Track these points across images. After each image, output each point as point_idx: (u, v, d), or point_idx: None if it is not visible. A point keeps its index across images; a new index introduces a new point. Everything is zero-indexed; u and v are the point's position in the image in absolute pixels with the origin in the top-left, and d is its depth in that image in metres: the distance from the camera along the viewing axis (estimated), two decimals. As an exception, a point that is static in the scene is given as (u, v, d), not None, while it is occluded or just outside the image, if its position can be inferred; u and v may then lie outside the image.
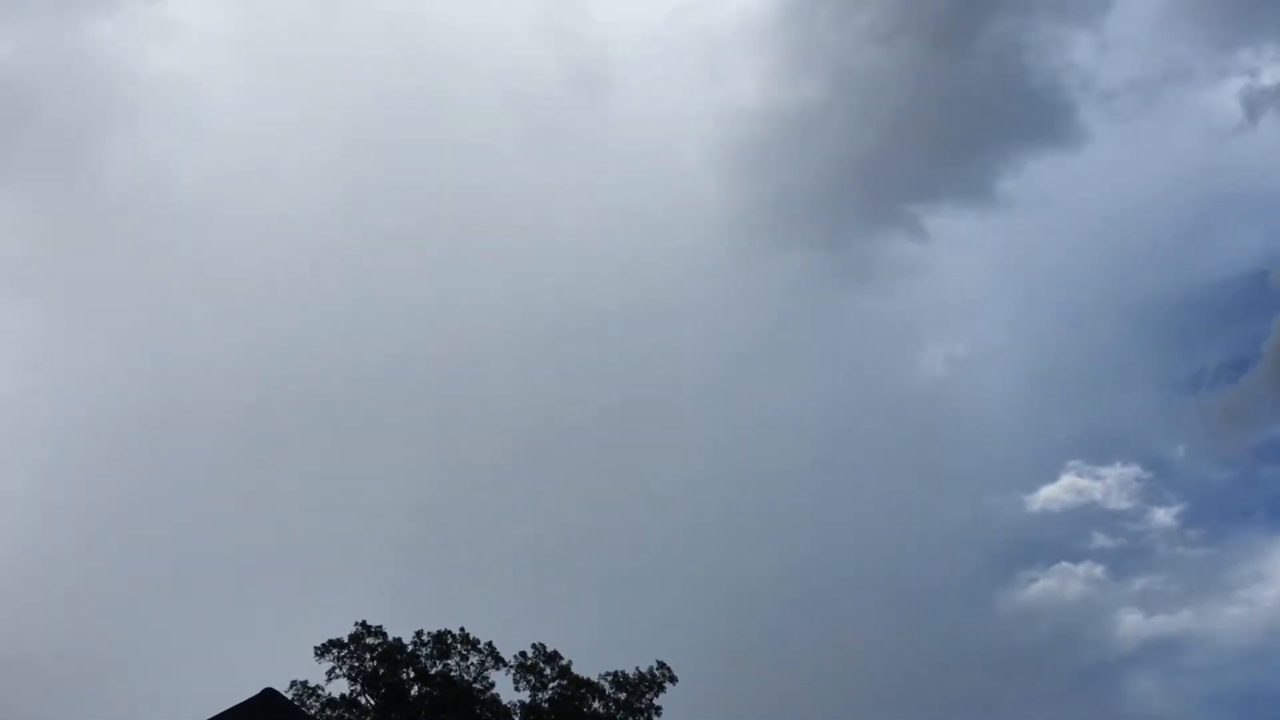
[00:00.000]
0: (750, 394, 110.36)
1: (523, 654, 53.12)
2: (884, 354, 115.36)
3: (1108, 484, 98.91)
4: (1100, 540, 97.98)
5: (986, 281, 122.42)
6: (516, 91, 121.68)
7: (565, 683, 52.56)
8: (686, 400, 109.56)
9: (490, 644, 52.56)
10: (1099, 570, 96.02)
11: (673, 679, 53.43)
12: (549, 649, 53.50)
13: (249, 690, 31.49)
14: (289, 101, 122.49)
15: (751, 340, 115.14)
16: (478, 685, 51.58)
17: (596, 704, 52.45)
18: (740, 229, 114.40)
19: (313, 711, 48.09)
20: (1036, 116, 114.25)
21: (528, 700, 51.94)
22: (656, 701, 52.99)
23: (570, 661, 53.38)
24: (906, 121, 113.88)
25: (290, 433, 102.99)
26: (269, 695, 31.20)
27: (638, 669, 53.44)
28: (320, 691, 49.74)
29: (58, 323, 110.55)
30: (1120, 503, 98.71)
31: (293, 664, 50.97)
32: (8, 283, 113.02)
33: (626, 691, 52.91)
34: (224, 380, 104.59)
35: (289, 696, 45.05)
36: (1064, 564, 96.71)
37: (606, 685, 53.07)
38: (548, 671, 52.76)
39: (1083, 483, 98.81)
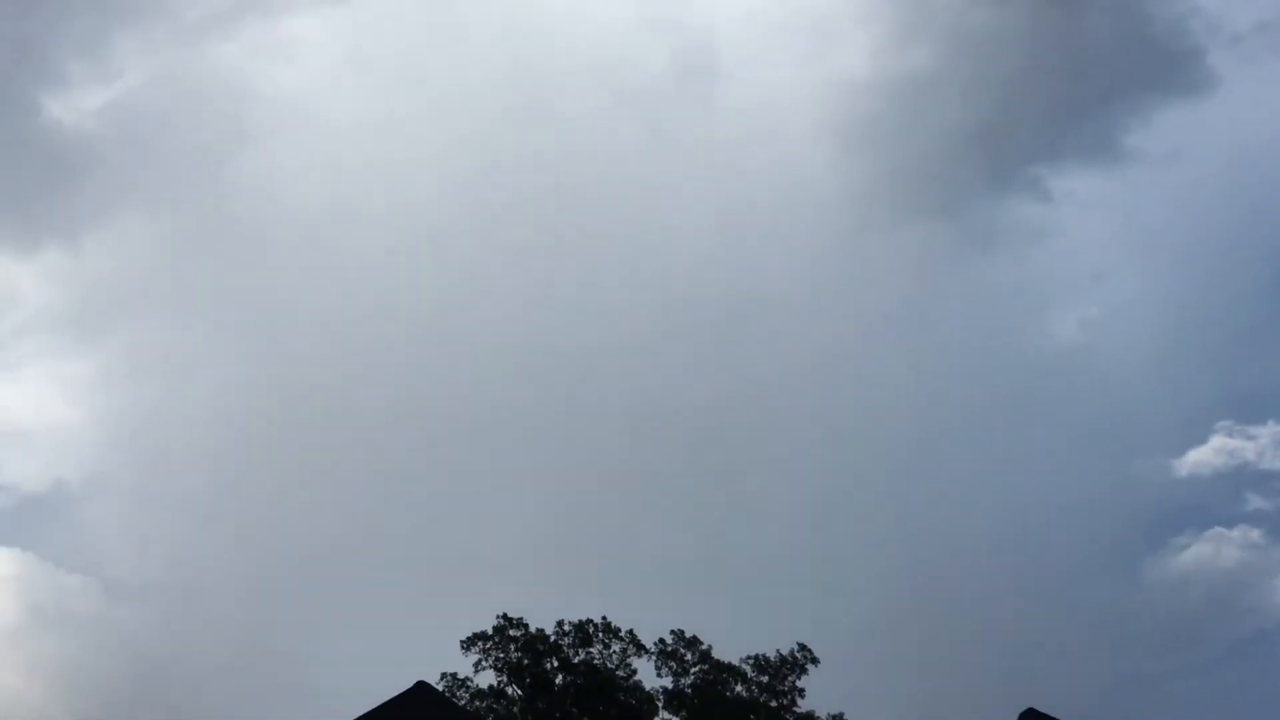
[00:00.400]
0: (876, 372, 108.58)
1: (662, 640, 53.56)
2: (1013, 322, 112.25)
3: (1260, 443, 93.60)
4: (1256, 503, 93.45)
5: (1116, 240, 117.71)
6: (623, 88, 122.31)
7: (706, 667, 52.76)
8: (811, 383, 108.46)
9: (631, 631, 53.09)
10: (1256, 534, 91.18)
11: (814, 660, 53.09)
12: (688, 634, 53.87)
13: (403, 684, 32.61)
14: (403, 112, 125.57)
15: (874, 318, 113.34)
16: (621, 673, 52.17)
17: (739, 688, 52.50)
18: (856, 206, 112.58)
19: (462, 702, 49.34)
20: (1162, 65, 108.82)
21: (670, 686, 52.34)
22: (799, 684, 52.82)
23: (710, 646, 53.61)
24: (1024, 81, 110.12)
25: (430, 436, 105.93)
26: (421, 687, 32.26)
27: (778, 651, 53.27)
28: (469, 683, 51.07)
29: (199, 336, 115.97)
30: (1276, 462, 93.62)
31: (442, 657, 52.50)
32: (149, 299, 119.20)
33: (768, 674, 52.79)
34: (361, 385, 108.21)
35: (439, 688, 46.38)
36: (1217, 529, 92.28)
37: (748, 669, 53.06)
38: (689, 657, 53.03)
39: (1234, 443, 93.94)
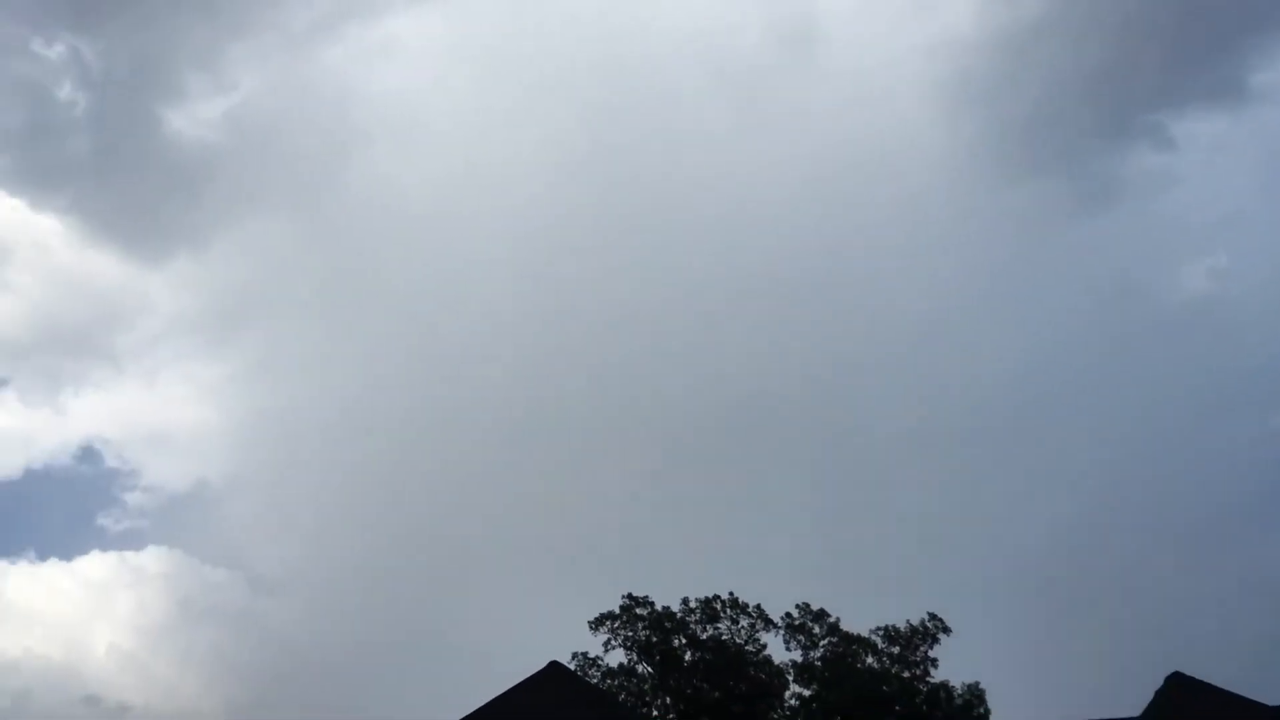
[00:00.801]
0: (996, 333, 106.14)
1: (789, 614, 53.35)
2: (1138, 275, 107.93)
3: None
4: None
5: (1245, 184, 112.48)
6: (720, 64, 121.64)
7: (835, 640, 52.36)
8: (927, 349, 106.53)
9: (759, 606, 53.06)
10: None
11: (946, 629, 52.15)
12: (815, 608, 53.54)
13: (536, 664, 33.19)
14: (504, 103, 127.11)
15: (989, 279, 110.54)
16: (750, 648, 52.22)
17: (869, 659, 52.00)
18: (964, 167, 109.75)
19: (594, 680, 50.03)
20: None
21: (800, 659, 52.13)
22: (931, 654, 52.00)
23: (838, 618, 53.22)
24: (1138, 24, 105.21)
25: (548, 422, 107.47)
26: (554, 667, 32.75)
27: (908, 622, 52.53)
28: (600, 662, 51.78)
29: (324, 334, 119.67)
30: None
31: (572, 638, 53.32)
32: (274, 300, 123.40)
33: (899, 645, 52.12)
34: (480, 374, 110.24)
35: (571, 667, 47.10)
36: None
37: (878, 640, 52.48)
38: (817, 630, 52.70)
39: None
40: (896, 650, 52.12)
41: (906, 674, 51.32)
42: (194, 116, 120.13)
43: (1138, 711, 29.37)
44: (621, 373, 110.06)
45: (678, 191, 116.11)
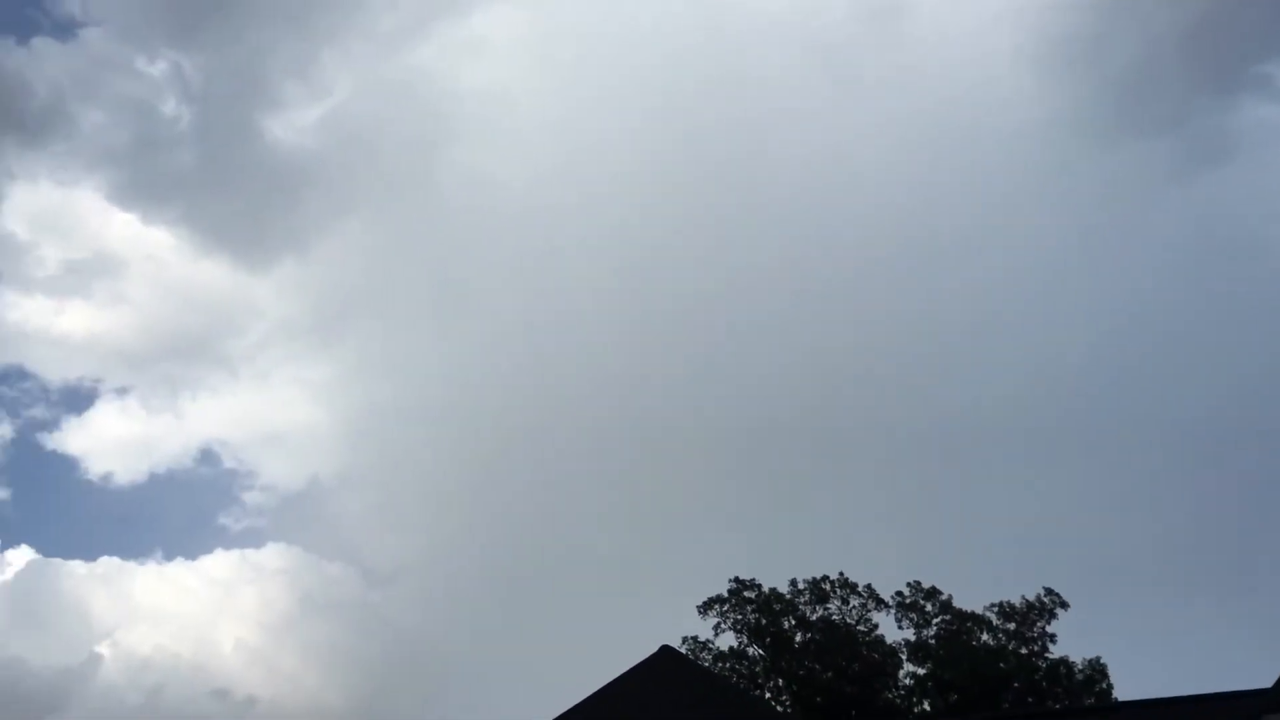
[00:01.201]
0: (1099, 299, 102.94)
1: (900, 593, 52.81)
2: (1255, 233, 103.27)
3: None
4: None
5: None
6: (809, 40, 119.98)
7: (949, 617, 51.66)
8: (1029, 317, 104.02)
9: (869, 586, 52.66)
10: None
11: (1063, 604, 50.97)
12: (926, 585, 52.90)
13: (647, 649, 33.47)
14: (593, 94, 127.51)
15: (1088, 245, 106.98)
16: (861, 627, 51.87)
17: (985, 636, 51.17)
18: (1060, 131, 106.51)
19: (705, 664, 50.26)
20: None
21: (913, 638, 51.58)
22: (1049, 629, 50.92)
23: (950, 596, 52.52)
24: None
25: (643, 407, 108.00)
26: (665, 651, 32.96)
27: (1023, 598, 51.55)
28: (710, 645, 52.00)
29: (422, 332, 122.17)
30: None
31: (683, 623, 53.68)
32: (375, 300, 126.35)
33: (1015, 621, 51.17)
34: (578, 367, 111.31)
35: (683, 651, 47.40)
36: None
37: (992, 616, 51.62)
38: (929, 608, 52.07)
39: None
40: (1012, 627, 51.18)
41: (1024, 650, 50.37)
42: (291, 124, 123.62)
43: (1268, 683, 28.27)
44: (719, 356, 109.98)
45: (770, 172, 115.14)
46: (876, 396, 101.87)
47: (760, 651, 51.76)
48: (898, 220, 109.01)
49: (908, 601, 52.32)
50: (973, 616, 51.70)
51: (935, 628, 51.69)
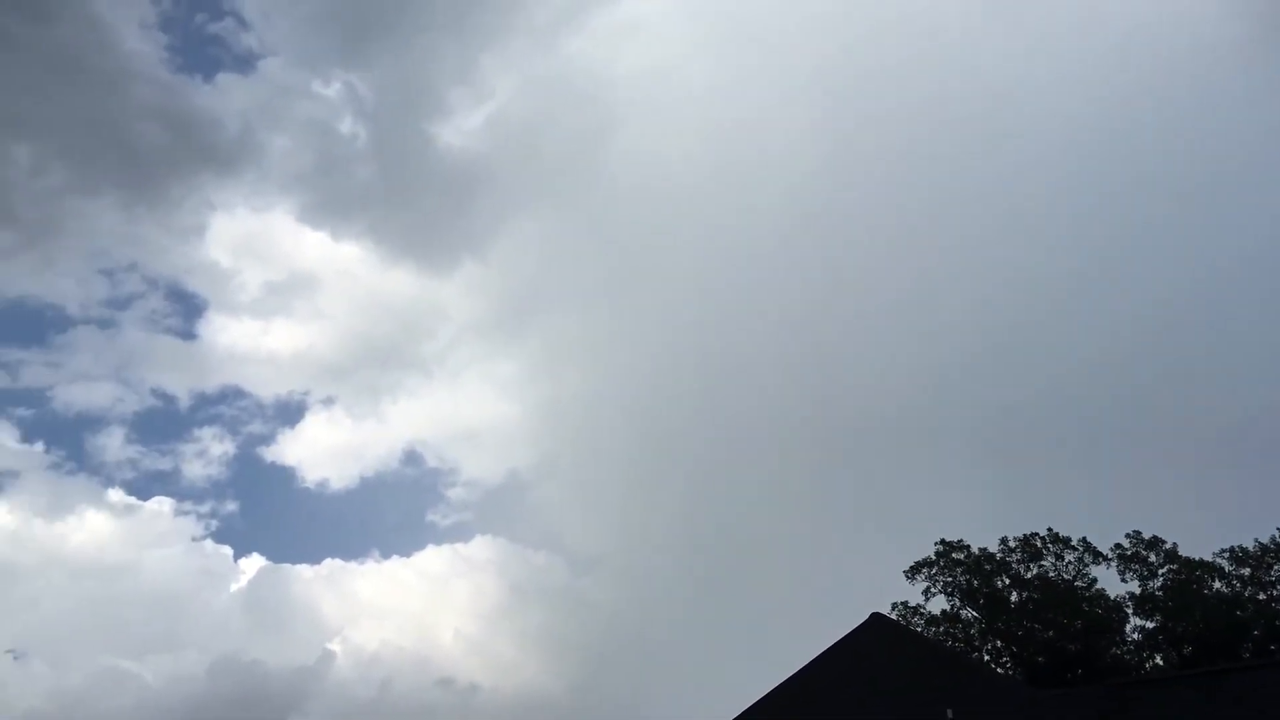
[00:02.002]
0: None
1: (1119, 545, 50.58)
2: None
3: None
4: None
5: None
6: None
7: (1175, 567, 49.16)
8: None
9: (1084, 539, 50.62)
10: None
11: (1303, 544, 47.73)
12: (1147, 536, 50.48)
13: (857, 618, 33.33)
14: (750, 62, 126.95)
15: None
16: (1079, 583, 49.96)
17: (1217, 584, 48.44)
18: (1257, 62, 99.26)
19: (918, 629, 49.55)
20: None
21: (1138, 591, 49.31)
22: (1288, 572, 47.74)
23: (1175, 544, 49.97)
24: None
25: (831, 377, 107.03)
26: (876, 619, 32.74)
27: (1256, 541, 48.54)
28: (922, 610, 51.21)
29: (604, 322, 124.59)
30: None
31: (891, 589, 53.16)
32: (554, 293, 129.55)
33: (1249, 566, 48.22)
34: (757, 344, 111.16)
35: (893, 618, 46.92)
36: None
37: (1223, 563, 48.83)
38: (1152, 558, 49.68)
39: None
40: (1247, 572, 48.29)
41: (1261, 596, 47.43)
42: (460, 129, 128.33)
43: None
44: (903, 321, 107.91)
45: (948, 115, 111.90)
46: (1073, 357, 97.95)
47: (974, 613, 50.61)
48: (1109, 159, 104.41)
49: (1128, 553, 50.07)
50: (1202, 564, 49.04)
51: (1162, 578, 49.28)
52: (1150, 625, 48.41)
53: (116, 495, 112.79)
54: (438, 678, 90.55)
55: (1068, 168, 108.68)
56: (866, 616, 32.72)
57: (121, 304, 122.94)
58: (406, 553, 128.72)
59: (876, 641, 31.18)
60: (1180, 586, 48.51)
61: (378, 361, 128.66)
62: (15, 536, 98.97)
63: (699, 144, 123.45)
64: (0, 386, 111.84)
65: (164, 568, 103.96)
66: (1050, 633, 48.66)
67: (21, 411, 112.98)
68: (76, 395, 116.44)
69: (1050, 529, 51.22)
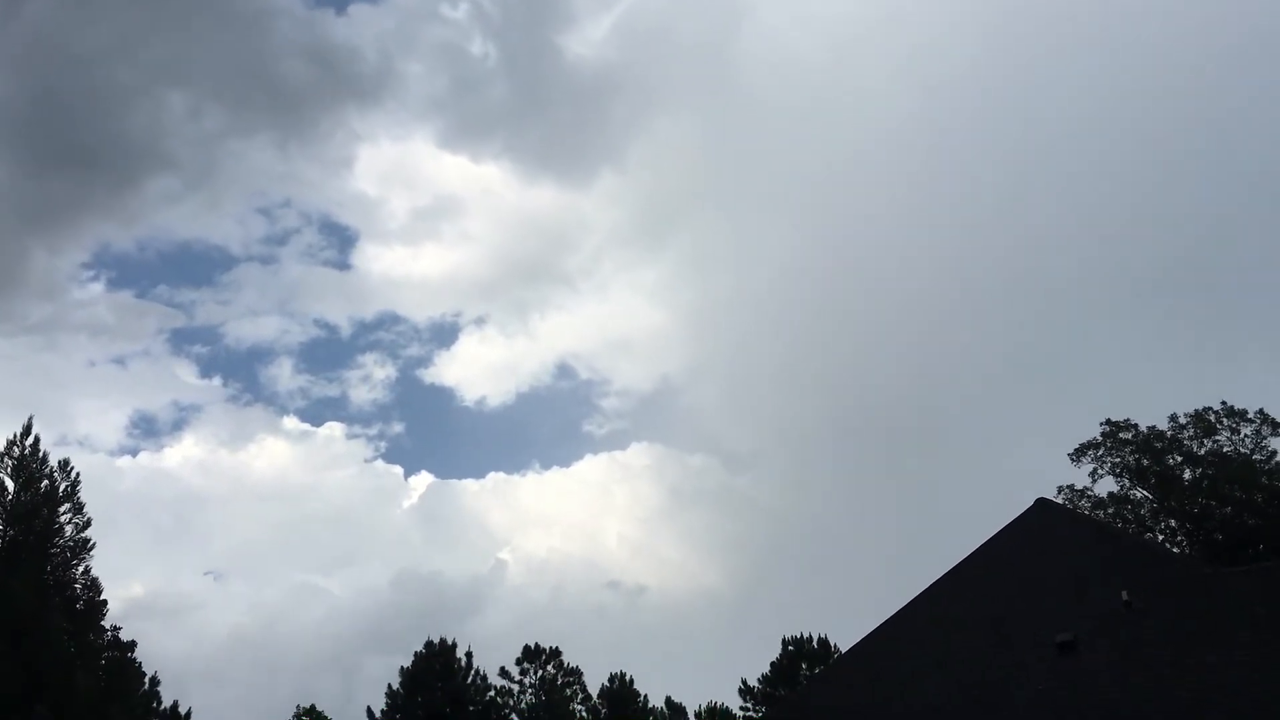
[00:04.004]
0: None
1: (1301, 414, 48.13)
2: None
3: None
4: None
5: None
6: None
7: (1363, 434, 46.61)
8: None
9: (1261, 411, 48.33)
10: None
11: None
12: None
13: (1020, 505, 32.93)
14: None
15: None
16: (1257, 456, 47.82)
17: None
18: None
19: (1086, 512, 48.53)
20: None
21: (1322, 461, 46.99)
22: None
23: (1365, 409, 47.24)
24: None
25: (987, 277, 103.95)
26: (1041, 504, 32.16)
27: None
28: (1089, 493, 50.07)
29: (749, 220, 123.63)
30: None
31: (1055, 472, 52.13)
32: (696, 196, 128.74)
33: None
34: (905, 238, 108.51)
35: (1059, 502, 46.01)
36: None
37: None
38: (1341, 424, 47.21)
39: None
40: None
41: None
42: (587, 39, 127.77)
43: None
44: (1072, 202, 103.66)
45: (1062, 80, 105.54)
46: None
47: (1145, 493, 49.17)
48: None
49: (1316, 421, 47.63)
50: (1399, 427, 46.31)
51: (1352, 446, 46.79)
52: (1337, 496, 46.12)
53: (291, 423, 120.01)
54: (606, 580, 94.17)
55: None
56: (1031, 503, 32.24)
57: (280, 240, 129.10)
58: (566, 463, 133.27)
59: (1043, 526, 30.63)
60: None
61: (525, 278, 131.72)
62: (203, 466, 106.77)
63: (833, 39, 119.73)
64: (178, 326, 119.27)
65: (341, 489, 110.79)
66: (1227, 509, 46.90)
67: (199, 349, 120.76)
68: (246, 330, 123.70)
69: (1224, 402, 49.09)
